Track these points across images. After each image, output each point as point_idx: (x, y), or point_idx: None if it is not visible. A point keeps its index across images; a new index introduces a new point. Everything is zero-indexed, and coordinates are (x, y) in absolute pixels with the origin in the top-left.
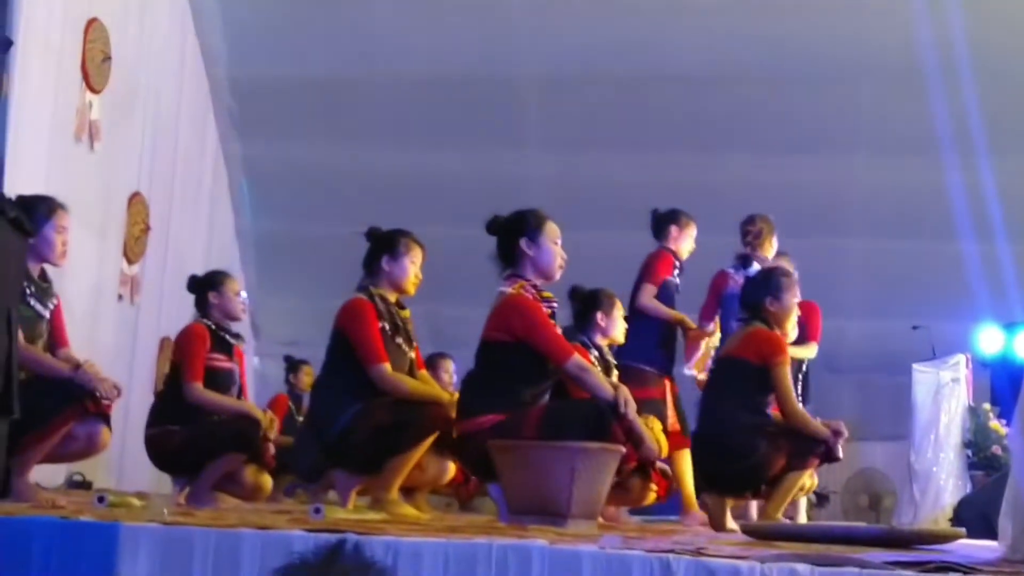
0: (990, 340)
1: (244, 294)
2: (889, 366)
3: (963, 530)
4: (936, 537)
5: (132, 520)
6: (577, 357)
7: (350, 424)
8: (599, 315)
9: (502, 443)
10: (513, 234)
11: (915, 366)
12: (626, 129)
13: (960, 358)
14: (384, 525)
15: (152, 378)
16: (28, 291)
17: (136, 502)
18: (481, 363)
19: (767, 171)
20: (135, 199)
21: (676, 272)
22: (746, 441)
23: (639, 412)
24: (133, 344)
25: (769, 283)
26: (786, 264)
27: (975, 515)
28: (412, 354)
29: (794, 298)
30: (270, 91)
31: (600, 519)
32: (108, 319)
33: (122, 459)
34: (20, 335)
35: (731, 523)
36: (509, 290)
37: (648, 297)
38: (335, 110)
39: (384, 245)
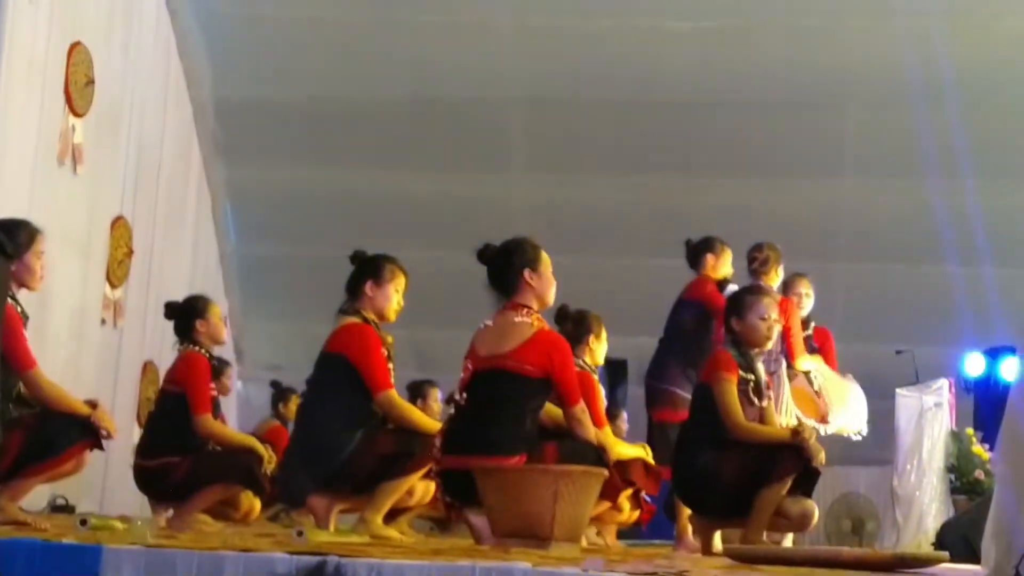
0: (973, 365)
1: (226, 319)
2: (873, 390)
3: (946, 554)
4: (919, 560)
5: (115, 542)
6: (582, 403)
7: (355, 451)
8: (591, 338)
9: (485, 466)
10: (515, 265)
11: (899, 390)
12: (611, 153)
13: (943, 383)
14: (367, 548)
15: (135, 403)
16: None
17: (119, 525)
18: (493, 394)
19: (752, 195)
20: (118, 223)
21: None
22: (688, 456)
23: (668, 437)
24: (116, 368)
25: (734, 303)
26: (804, 285)
27: (957, 539)
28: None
29: (758, 316)
30: (254, 114)
31: (584, 542)
32: (91, 343)
33: (105, 483)
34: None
35: (718, 547)
36: (530, 321)
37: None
38: (319, 133)
39: (369, 270)
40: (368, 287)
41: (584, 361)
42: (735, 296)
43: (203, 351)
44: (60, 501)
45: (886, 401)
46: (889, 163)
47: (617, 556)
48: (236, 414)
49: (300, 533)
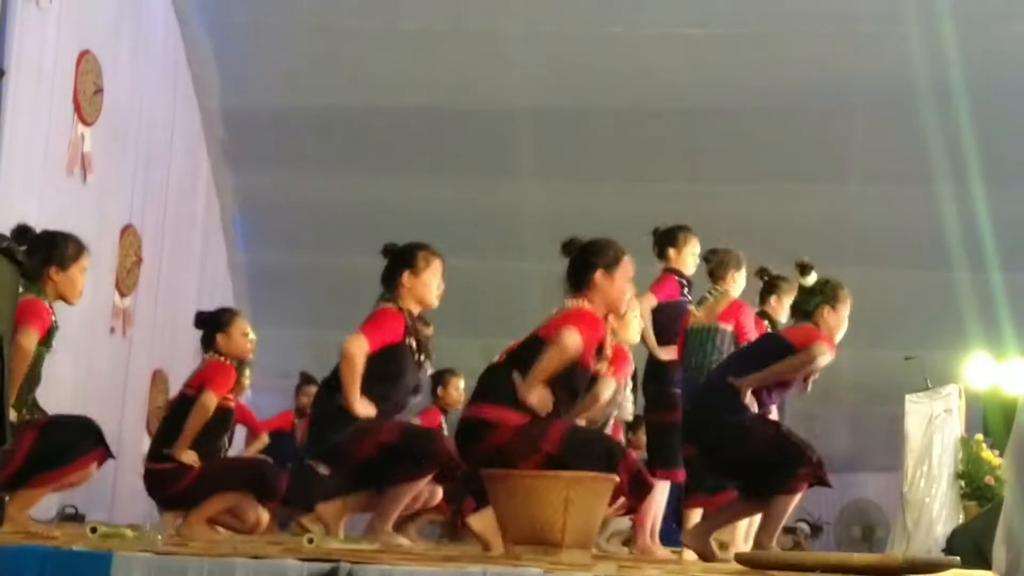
0: (982, 370)
1: (252, 335)
2: (882, 397)
3: (957, 559)
4: (929, 566)
5: (126, 549)
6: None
7: (352, 437)
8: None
9: (496, 473)
10: (590, 263)
11: (908, 397)
12: (620, 160)
13: (953, 389)
14: (378, 554)
15: (144, 411)
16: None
17: (129, 533)
18: (519, 359)
19: (761, 201)
20: (127, 231)
21: (685, 290)
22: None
23: (668, 438)
24: (125, 377)
25: (830, 294)
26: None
27: (968, 545)
28: (429, 371)
29: (846, 315)
30: (263, 123)
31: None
32: (100, 352)
33: (114, 492)
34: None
35: (719, 552)
36: (585, 305)
37: (646, 309)
38: (328, 141)
39: (403, 261)
40: (405, 278)
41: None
42: (827, 286)
43: (229, 361)
44: (70, 510)
45: (895, 407)
46: (897, 169)
47: (628, 563)
48: None
49: (311, 540)
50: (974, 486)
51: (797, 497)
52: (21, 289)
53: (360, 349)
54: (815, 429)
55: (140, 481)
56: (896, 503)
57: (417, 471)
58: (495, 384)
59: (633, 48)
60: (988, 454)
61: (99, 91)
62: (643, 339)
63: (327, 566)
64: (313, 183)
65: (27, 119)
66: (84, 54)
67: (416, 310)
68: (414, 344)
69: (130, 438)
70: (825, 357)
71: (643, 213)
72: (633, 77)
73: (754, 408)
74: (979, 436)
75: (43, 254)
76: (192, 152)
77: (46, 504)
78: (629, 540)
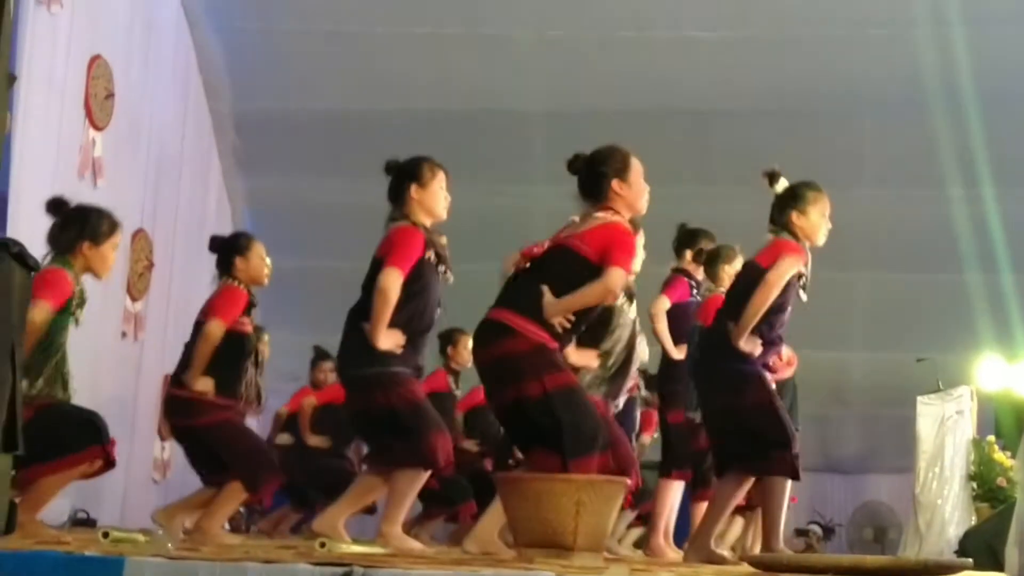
0: (994, 372)
1: (269, 260)
2: (894, 399)
3: (969, 561)
4: (942, 568)
5: (137, 554)
6: (605, 286)
7: (376, 379)
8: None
9: (507, 476)
10: (602, 174)
11: (920, 399)
12: None
13: (965, 390)
14: (390, 558)
15: (155, 416)
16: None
17: (141, 538)
18: (549, 267)
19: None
20: (138, 236)
21: (694, 292)
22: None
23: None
24: (136, 381)
25: (796, 197)
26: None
27: (980, 546)
28: (448, 278)
29: (822, 216)
30: (273, 126)
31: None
32: (111, 356)
33: (126, 497)
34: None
35: (728, 554)
36: (611, 217)
37: (659, 311)
38: (338, 145)
39: (408, 174)
40: (413, 191)
41: None
42: (796, 190)
43: (242, 286)
44: (81, 515)
45: (908, 409)
46: (908, 172)
47: (640, 566)
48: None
49: (322, 544)
50: (986, 488)
51: (787, 487)
52: (48, 261)
53: (396, 283)
54: (828, 431)
55: (152, 486)
56: (908, 505)
57: (397, 461)
58: (521, 293)
59: (644, 52)
60: (1000, 455)
61: (110, 96)
62: (658, 339)
63: (339, 570)
64: (324, 187)
65: (38, 124)
66: (95, 59)
67: (428, 223)
68: (434, 257)
69: (141, 443)
70: (792, 268)
71: (653, 215)
72: (644, 80)
73: (757, 350)
74: (991, 437)
75: (77, 228)
76: (203, 156)
77: (58, 509)
78: (640, 542)
